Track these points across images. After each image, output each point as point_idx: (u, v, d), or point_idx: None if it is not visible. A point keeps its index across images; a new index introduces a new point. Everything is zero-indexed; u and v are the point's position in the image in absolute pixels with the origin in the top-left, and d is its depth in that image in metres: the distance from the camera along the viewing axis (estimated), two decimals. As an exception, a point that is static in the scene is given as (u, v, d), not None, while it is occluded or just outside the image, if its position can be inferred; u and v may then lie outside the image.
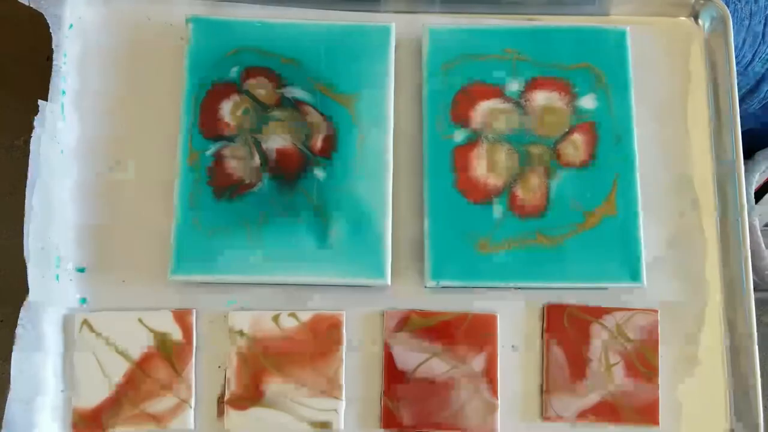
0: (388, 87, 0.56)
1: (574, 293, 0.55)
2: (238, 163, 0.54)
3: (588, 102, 0.56)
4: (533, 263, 0.54)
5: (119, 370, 0.52)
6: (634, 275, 0.54)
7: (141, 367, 0.52)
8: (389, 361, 0.53)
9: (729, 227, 0.56)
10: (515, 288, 0.54)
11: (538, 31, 0.58)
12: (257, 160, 0.55)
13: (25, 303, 0.51)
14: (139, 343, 0.53)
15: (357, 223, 0.53)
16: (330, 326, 0.53)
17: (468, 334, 0.54)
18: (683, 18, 0.60)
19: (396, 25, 0.57)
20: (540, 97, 0.57)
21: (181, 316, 0.53)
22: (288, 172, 0.55)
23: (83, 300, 0.54)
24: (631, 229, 0.54)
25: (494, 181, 0.55)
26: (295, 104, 0.56)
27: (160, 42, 0.58)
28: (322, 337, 0.53)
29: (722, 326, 0.56)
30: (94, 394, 0.52)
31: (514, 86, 0.57)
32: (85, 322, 0.53)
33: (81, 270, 0.54)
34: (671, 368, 0.55)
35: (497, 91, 0.57)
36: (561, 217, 0.54)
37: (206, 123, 0.55)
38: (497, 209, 0.54)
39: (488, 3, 0.59)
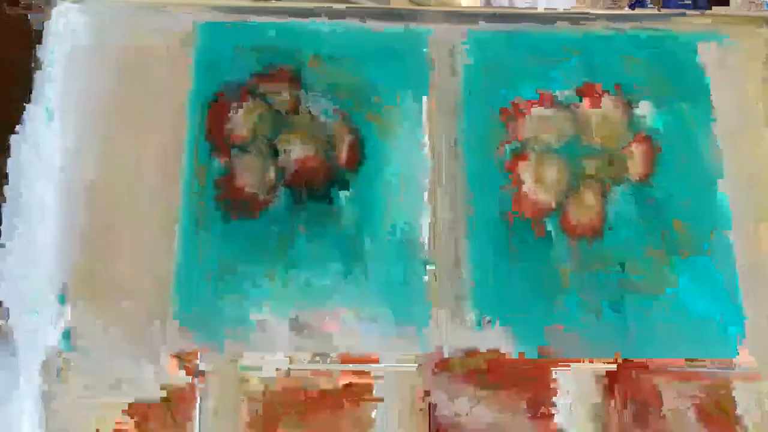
0: (423, 92, 0.50)
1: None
2: (251, 175, 0.47)
3: (649, 111, 0.50)
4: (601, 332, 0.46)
5: (108, 421, 0.45)
6: (730, 348, 0.45)
7: (135, 419, 0.44)
8: (430, 411, 0.45)
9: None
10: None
11: (592, 36, 0.51)
12: (273, 172, 0.47)
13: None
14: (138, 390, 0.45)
15: (391, 247, 0.46)
16: (359, 371, 0.45)
17: (518, 377, 0.46)
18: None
19: (434, 29, 0.51)
20: (594, 106, 0.50)
21: (184, 359, 0.45)
22: (309, 185, 0.47)
23: (67, 335, 0.46)
24: (723, 276, 0.46)
25: (545, 197, 0.48)
26: (316, 110, 0.49)
27: (162, 38, 0.51)
28: (350, 385, 0.45)
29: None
30: (76, 451, 0.44)
31: (565, 93, 0.50)
32: (67, 363, 0.45)
33: (62, 301, 0.47)
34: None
35: (547, 98, 0.50)
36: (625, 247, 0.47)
37: (215, 131, 0.48)
38: (550, 229, 0.47)
39: (541, 20, 0.53)
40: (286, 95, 0.50)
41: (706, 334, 0.45)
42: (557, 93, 0.50)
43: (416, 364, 0.46)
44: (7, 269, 0.45)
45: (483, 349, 0.46)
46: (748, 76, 0.53)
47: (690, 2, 0.60)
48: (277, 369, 0.45)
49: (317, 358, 0.46)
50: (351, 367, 0.45)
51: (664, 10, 0.56)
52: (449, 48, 0.52)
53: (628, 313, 0.45)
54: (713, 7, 0.56)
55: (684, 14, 0.54)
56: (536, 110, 0.50)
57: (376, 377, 0.45)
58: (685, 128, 0.50)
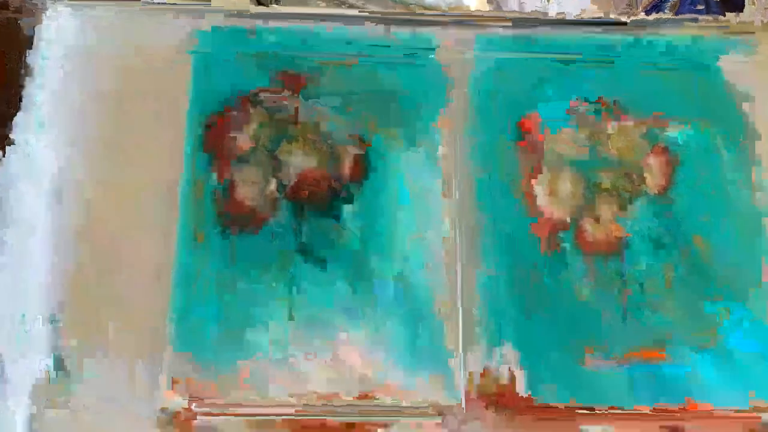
0: (431, 100, 0.47)
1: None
2: (251, 188, 0.45)
3: (667, 120, 0.48)
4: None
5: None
6: None
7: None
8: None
9: None
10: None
11: (606, 43, 0.50)
12: (273, 184, 0.45)
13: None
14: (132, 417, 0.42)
15: (398, 264, 0.44)
16: (367, 394, 0.43)
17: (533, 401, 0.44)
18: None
19: (443, 35, 0.50)
20: (612, 118, 0.48)
21: (182, 384, 0.43)
22: (311, 198, 0.45)
23: (58, 358, 0.44)
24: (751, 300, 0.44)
25: (559, 212, 0.46)
26: (319, 119, 0.47)
27: (160, 43, 0.49)
28: (358, 409, 0.43)
29: None
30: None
31: (583, 104, 0.48)
32: (58, 387, 0.43)
33: (53, 321, 0.44)
34: None
35: (560, 109, 0.48)
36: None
37: (214, 141, 0.46)
38: (565, 245, 0.45)
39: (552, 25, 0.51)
40: (287, 104, 0.47)
41: (743, 372, 0.43)
42: (572, 102, 0.48)
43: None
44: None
45: (496, 373, 0.44)
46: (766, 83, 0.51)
47: (703, 8, 0.59)
48: (280, 393, 0.43)
49: (321, 381, 0.43)
50: (357, 391, 0.43)
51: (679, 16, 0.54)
52: (458, 53, 0.50)
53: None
54: (728, 14, 0.54)
55: (696, 20, 0.52)
56: (550, 121, 0.48)
57: (386, 402, 0.43)
58: (705, 139, 0.48)
